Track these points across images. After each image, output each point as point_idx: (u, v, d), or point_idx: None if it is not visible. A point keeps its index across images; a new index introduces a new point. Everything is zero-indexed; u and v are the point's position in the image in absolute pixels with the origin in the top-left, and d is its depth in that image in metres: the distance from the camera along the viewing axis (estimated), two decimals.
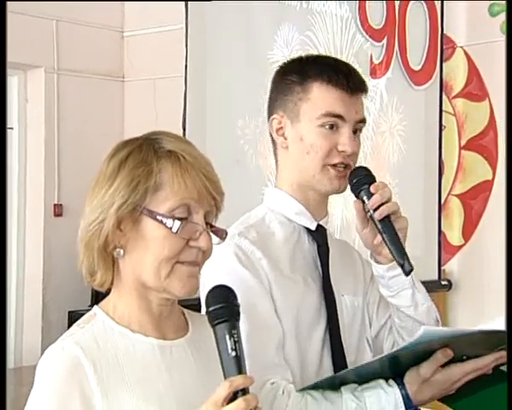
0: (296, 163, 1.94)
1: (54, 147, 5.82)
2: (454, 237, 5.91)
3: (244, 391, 1.37)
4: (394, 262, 1.83)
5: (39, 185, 5.81)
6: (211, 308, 1.45)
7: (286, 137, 1.95)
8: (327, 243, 1.98)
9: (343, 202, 4.53)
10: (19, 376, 5.07)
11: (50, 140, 5.81)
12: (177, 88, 4.51)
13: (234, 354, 1.41)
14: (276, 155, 2.01)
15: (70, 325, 1.57)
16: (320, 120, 1.90)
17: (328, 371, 1.89)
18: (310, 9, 4.94)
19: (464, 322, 5.52)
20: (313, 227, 1.97)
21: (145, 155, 1.51)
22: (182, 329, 1.60)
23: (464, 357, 1.75)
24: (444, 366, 1.73)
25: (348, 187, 1.91)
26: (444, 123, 5.81)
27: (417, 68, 5.67)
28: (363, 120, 1.95)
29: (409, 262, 1.80)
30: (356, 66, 2.04)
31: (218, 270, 1.82)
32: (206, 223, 1.52)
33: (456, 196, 5.91)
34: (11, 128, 5.75)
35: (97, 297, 1.88)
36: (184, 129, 4.31)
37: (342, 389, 1.78)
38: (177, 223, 1.48)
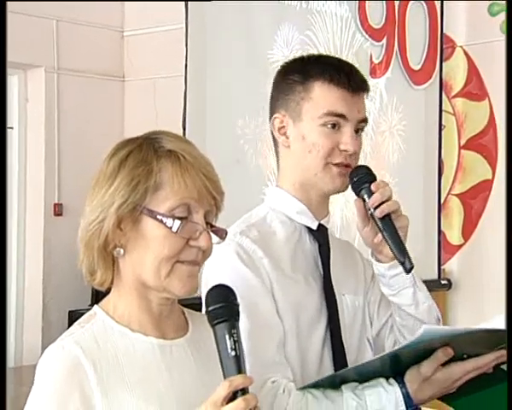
0: (298, 162, 1.94)
1: (54, 146, 5.82)
2: (454, 236, 5.91)
3: (244, 391, 1.37)
4: (395, 261, 1.83)
5: (39, 185, 5.80)
6: (210, 308, 1.45)
7: (288, 136, 1.95)
8: (328, 243, 1.98)
9: (343, 201, 4.53)
10: (19, 375, 5.07)
11: (50, 140, 5.81)
12: (177, 88, 4.51)
13: (233, 353, 1.40)
14: (277, 154, 2.01)
15: (70, 324, 1.57)
16: (322, 119, 1.90)
17: (328, 370, 1.89)
18: (310, 9, 4.94)
19: (464, 321, 5.51)
20: (314, 227, 1.97)
21: (145, 154, 1.51)
22: (182, 328, 1.60)
23: (465, 356, 1.75)
24: (444, 364, 1.73)
25: (349, 186, 1.92)
26: (443, 122, 5.81)
27: (417, 68, 5.67)
28: (365, 120, 1.95)
29: (409, 260, 1.80)
30: (355, 65, 2.04)
31: (219, 268, 1.82)
32: (207, 222, 1.52)
33: (456, 195, 5.91)
34: (11, 128, 5.75)
35: (97, 297, 1.88)
36: (184, 129, 4.31)
37: (343, 387, 1.78)
38: (177, 222, 1.48)
